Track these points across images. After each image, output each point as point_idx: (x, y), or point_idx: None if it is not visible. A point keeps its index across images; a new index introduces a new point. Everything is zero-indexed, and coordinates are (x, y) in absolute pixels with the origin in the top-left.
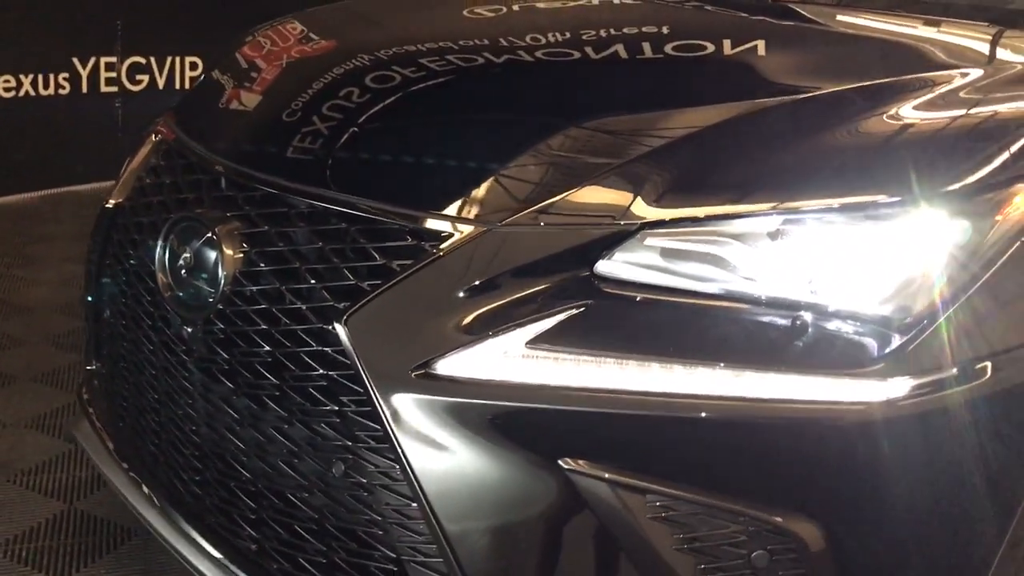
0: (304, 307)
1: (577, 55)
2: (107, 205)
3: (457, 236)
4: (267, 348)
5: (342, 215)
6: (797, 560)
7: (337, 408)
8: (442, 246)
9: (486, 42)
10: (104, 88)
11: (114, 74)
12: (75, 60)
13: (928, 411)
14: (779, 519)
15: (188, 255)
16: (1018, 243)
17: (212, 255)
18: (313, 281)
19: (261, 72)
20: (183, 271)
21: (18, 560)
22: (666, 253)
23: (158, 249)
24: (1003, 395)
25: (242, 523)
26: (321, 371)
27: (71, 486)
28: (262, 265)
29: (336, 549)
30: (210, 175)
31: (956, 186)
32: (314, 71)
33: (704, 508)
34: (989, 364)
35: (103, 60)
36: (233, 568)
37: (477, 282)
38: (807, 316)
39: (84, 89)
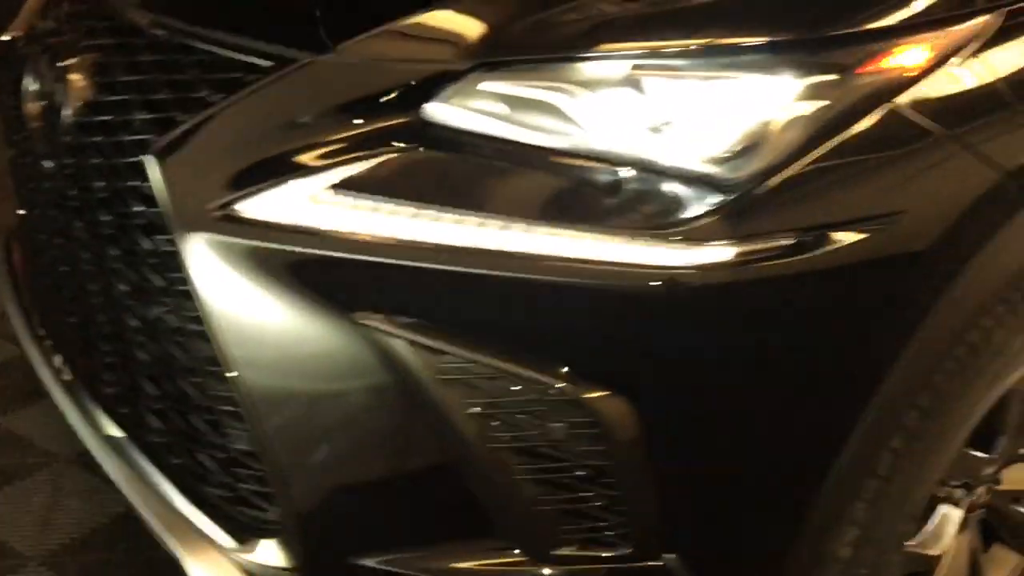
0: (127, 139)
1: None
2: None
3: (277, 69)
4: (101, 184)
5: (183, 47)
6: (598, 438)
7: (155, 248)
8: (261, 79)
9: None
10: None
11: None
12: None
13: (754, 281)
14: (578, 391)
15: (43, 87)
16: (879, 108)
17: (62, 87)
18: (142, 114)
19: None
20: (41, 101)
21: None
22: (501, 99)
23: (24, 80)
24: (850, 270)
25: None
26: (143, 208)
27: None
28: (106, 97)
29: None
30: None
31: (823, 34)
32: None
33: (500, 373)
34: (835, 234)
35: None
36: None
37: (290, 119)
38: (630, 173)
39: None
